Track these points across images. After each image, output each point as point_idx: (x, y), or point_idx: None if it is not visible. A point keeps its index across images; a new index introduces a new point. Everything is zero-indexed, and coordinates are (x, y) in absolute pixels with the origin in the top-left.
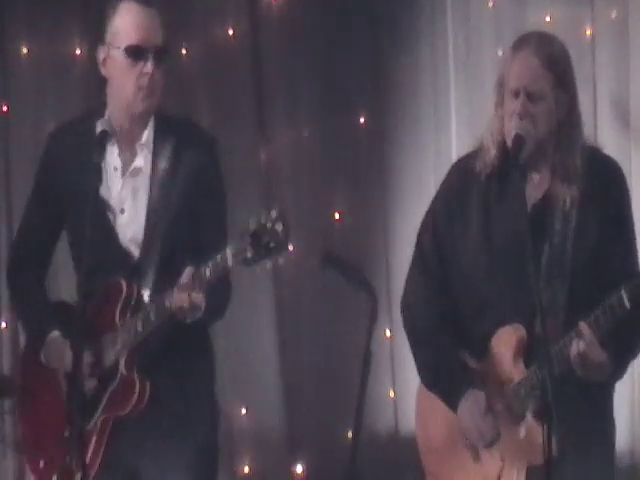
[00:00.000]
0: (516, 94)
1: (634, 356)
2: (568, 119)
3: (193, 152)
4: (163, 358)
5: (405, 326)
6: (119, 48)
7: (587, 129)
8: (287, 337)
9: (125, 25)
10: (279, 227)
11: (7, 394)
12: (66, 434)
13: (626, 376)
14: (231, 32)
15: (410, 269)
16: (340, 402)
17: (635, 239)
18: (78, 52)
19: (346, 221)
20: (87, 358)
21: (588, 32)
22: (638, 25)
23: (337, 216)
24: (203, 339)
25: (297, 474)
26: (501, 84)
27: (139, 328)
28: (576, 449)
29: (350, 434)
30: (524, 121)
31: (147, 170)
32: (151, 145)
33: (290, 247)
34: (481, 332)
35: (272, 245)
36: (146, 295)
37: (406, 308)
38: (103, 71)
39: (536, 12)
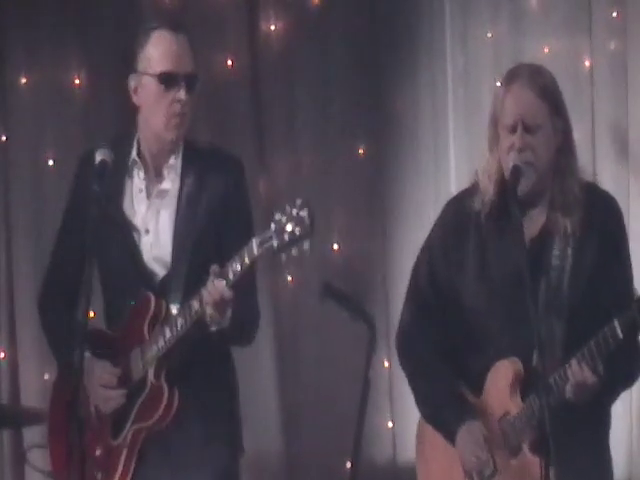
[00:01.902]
0: (513, 129)
1: (625, 380)
2: (565, 146)
3: (220, 175)
4: (187, 378)
5: (401, 361)
6: (152, 75)
7: (586, 160)
8: (286, 367)
9: (158, 52)
10: (304, 214)
11: (30, 423)
12: (97, 453)
13: (623, 409)
14: (230, 62)
15: (405, 305)
16: (338, 432)
17: (631, 274)
18: (77, 82)
19: (345, 252)
20: (116, 373)
21: (587, 63)
22: (637, 57)
23: (336, 247)
24: (226, 359)
25: None
26: (495, 123)
27: (167, 335)
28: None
29: (348, 464)
30: (524, 153)
31: (174, 192)
32: (179, 169)
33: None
34: (479, 367)
35: (297, 232)
36: (174, 310)
37: (402, 343)
38: (135, 99)
39: (534, 43)
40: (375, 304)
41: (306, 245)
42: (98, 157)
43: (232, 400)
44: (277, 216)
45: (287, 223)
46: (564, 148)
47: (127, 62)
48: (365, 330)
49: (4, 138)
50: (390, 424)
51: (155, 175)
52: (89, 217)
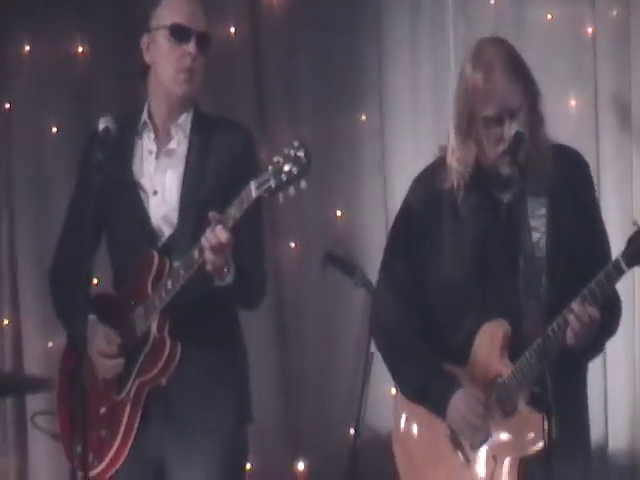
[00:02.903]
0: (497, 120)
1: (609, 328)
2: (536, 114)
3: (228, 139)
4: (193, 337)
5: (380, 342)
6: (164, 27)
7: (588, 128)
8: (288, 335)
9: (171, 8)
10: (301, 153)
11: (33, 391)
12: (102, 411)
13: (626, 377)
14: (232, 31)
15: (379, 285)
16: (341, 399)
17: (604, 227)
18: (80, 50)
19: (347, 219)
20: (116, 341)
21: (589, 30)
22: (639, 24)
23: (338, 214)
24: (233, 328)
25: (299, 471)
26: (469, 112)
27: (169, 286)
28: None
29: (351, 431)
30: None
31: (181, 152)
32: (188, 130)
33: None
34: (461, 337)
35: (294, 170)
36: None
37: (380, 325)
38: (147, 57)
39: (537, 10)
40: (377, 272)
41: (303, 184)
42: (101, 125)
43: (240, 366)
44: (275, 158)
45: (284, 164)
46: (535, 116)
47: (142, 25)
48: (367, 297)
49: (7, 106)
50: (393, 391)
51: (164, 136)
52: (92, 185)
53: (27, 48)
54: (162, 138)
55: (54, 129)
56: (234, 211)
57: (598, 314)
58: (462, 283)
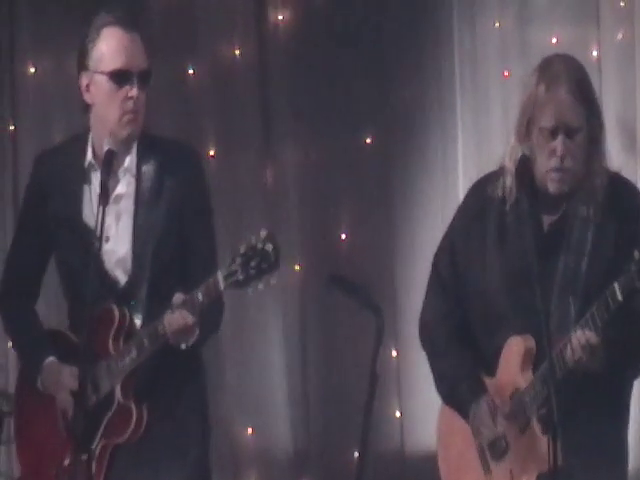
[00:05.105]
0: (553, 133)
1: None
2: (597, 141)
3: (176, 171)
4: (155, 382)
5: (423, 342)
6: (103, 73)
7: None
8: (294, 357)
9: (109, 50)
10: (269, 247)
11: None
12: (66, 462)
13: (637, 394)
14: (238, 52)
15: (428, 288)
16: (346, 422)
17: None
18: None
19: (352, 241)
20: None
21: (594, 53)
22: None
23: (343, 236)
24: (195, 360)
25: None
26: (528, 117)
27: (133, 355)
28: (586, 458)
29: (356, 454)
30: (565, 160)
31: (130, 195)
32: (134, 170)
33: (282, 267)
34: (494, 347)
35: (263, 266)
36: (138, 320)
37: (424, 325)
38: (87, 97)
39: (542, 33)
40: (382, 293)
41: (273, 280)
42: (105, 146)
43: (201, 400)
44: (242, 249)
45: (253, 257)
46: (595, 139)
47: (78, 59)
48: (372, 320)
49: (12, 127)
50: (398, 414)
51: (111, 178)
52: (98, 205)
53: (32, 69)
54: (109, 181)
55: None
56: (202, 297)
57: (597, 340)
58: (497, 293)
